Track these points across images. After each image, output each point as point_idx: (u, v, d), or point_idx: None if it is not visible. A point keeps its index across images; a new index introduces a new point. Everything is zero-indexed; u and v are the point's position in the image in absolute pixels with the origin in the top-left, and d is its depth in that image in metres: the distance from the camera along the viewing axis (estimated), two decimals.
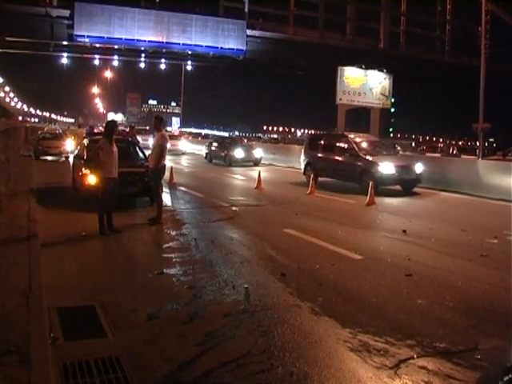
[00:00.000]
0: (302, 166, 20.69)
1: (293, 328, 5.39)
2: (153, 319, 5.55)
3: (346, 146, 18.35)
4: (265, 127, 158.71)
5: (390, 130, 64.13)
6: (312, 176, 18.22)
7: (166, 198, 14.33)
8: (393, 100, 55.69)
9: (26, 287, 5.85)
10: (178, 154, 38.56)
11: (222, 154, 30.07)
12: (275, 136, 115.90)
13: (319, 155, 19.62)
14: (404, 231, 10.46)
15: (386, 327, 5.43)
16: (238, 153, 28.99)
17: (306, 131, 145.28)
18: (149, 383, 4.23)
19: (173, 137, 42.05)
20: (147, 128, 59.00)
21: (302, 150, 21.26)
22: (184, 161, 34.08)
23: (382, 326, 5.45)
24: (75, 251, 8.49)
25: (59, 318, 5.42)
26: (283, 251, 8.74)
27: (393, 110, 57.43)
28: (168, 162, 12.68)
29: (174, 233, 10.16)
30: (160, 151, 11.11)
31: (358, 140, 18.67)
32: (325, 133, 19.27)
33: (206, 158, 33.06)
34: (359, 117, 57.77)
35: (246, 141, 37.76)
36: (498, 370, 1.67)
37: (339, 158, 18.32)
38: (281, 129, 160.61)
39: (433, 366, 4.58)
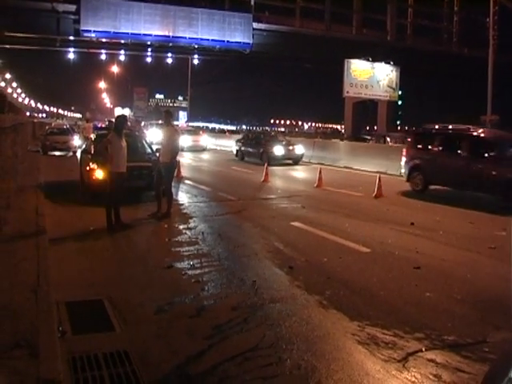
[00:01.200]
0: (405, 171, 15.92)
1: (301, 321, 5.39)
2: (160, 313, 5.56)
3: (482, 146, 13.64)
4: (272, 120, 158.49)
5: (398, 122, 63.86)
6: (421, 183, 15.09)
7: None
8: (400, 92, 55.48)
9: (35, 282, 5.87)
10: (198, 150, 36.39)
11: (257, 151, 26.22)
12: (282, 129, 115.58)
13: (434, 157, 14.94)
14: (412, 224, 10.42)
15: (394, 320, 5.42)
16: (278, 150, 25.15)
17: (314, 124, 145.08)
18: (157, 377, 4.24)
19: (193, 132, 41.00)
20: (160, 122, 57.64)
21: (404, 150, 16.42)
22: (209, 158, 31.52)
23: (390, 319, 5.44)
24: (83, 246, 8.51)
25: (68, 312, 5.44)
26: (291, 244, 8.73)
27: (400, 102, 57.19)
28: (188, 159, 12.70)
29: (181, 227, 10.17)
30: (174, 146, 11.11)
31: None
32: (443, 127, 14.80)
33: (236, 155, 29.07)
34: (366, 109, 57.57)
35: (281, 136, 32.93)
36: (506, 363, 1.66)
37: (472, 163, 13.53)
38: (288, 122, 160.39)
39: (441, 358, 4.57)
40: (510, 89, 43.77)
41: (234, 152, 29.50)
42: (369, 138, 42.76)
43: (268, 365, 4.42)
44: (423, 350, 4.74)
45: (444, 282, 6.75)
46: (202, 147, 37.41)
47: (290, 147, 25.72)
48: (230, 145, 35.57)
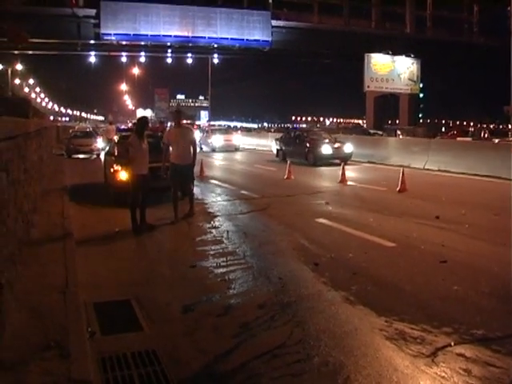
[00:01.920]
0: None
1: (328, 317, 5.37)
2: (188, 312, 5.59)
3: None
4: (293, 117, 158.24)
5: (420, 115, 63.26)
6: None
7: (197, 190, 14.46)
8: (421, 85, 54.98)
9: (63, 283, 5.95)
10: (230, 150, 34.70)
11: (302, 151, 23.70)
12: (304, 125, 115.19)
13: None
14: (437, 217, 10.32)
15: (422, 315, 5.38)
16: (326, 148, 22.87)
17: (335, 120, 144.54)
18: (186, 375, 4.27)
19: (224, 131, 40.11)
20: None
21: None
22: (248, 159, 28.90)
23: (417, 314, 5.40)
24: (109, 247, 8.60)
25: (96, 313, 5.51)
26: (316, 241, 8.71)
27: (421, 95, 56.64)
28: (220, 161, 12.53)
29: (206, 226, 10.21)
30: (194, 146, 10.87)
31: None
32: None
33: (277, 155, 26.67)
34: (388, 103, 57.16)
35: (325, 133, 28.67)
36: None
37: None
38: (309, 118, 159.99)
39: (471, 353, 4.52)
40: None
41: (274, 152, 27.35)
42: (380, 132, 41.99)
43: (296, 362, 4.42)
44: (452, 344, 4.69)
45: (471, 276, 6.68)
46: (235, 147, 35.61)
47: (338, 145, 23.36)
48: (265, 144, 35.17)
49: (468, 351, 4.55)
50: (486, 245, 8.32)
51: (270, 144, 32.44)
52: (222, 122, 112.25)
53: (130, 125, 50.85)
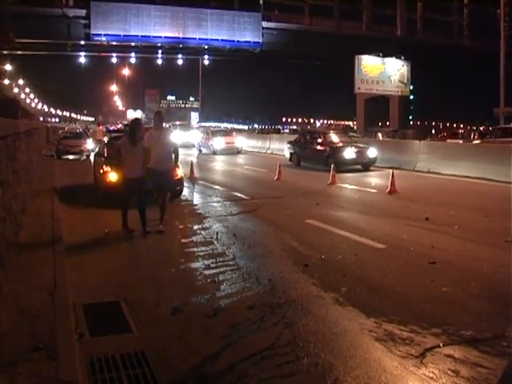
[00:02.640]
0: None
1: (317, 319, 5.38)
2: (177, 313, 5.58)
3: None
4: (284, 119, 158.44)
5: (410, 117, 63.53)
6: None
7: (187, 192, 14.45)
8: (412, 87, 55.22)
9: (52, 285, 5.92)
10: (232, 152, 32.48)
11: (320, 155, 21.31)
12: (294, 127, 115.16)
13: None
14: (427, 219, 10.36)
15: (411, 316, 5.40)
16: (348, 153, 20.60)
17: (325, 121, 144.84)
18: (175, 377, 4.25)
19: (224, 133, 37.25)
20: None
21: None
22: (258, 163, 25.29)
23: (406, 315, 5.42)
24: (98, 248, 8.57)
25: (85, 315, 5.48)
26: (306, 242, 8.72)
27: (412, 97, 56.88)
28: (224, 164, 12.06)
29: (196, 227, 10.19)
30: (176, 150, 10.19)
31: None
32: None
33: (290, 159, 24.00)
34: (378, 105, 57.36)
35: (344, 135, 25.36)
36: None
37: None
38: (300, 120, 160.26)
39: (459, 354, 4.53)
40: None
41: (287, 156, 24.51)
42: (358, 135, 41.85)
43: (285, 363, 4.42)
44: (441, 345, 4.70)
45: (460, 277, 6.71)
46: (237, 149, 33.45)
47: (360, 149, 21.08)
48: (268, 146, 34.69)
49: (456, 352, 4.57)
50: (475, 246, 8.35)
51: (273, 147, 33.56)
52: (213, 124, 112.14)
53: (119, 126, 50.52)
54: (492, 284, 6.41)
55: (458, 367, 4.30)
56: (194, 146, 37.91)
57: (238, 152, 33.30)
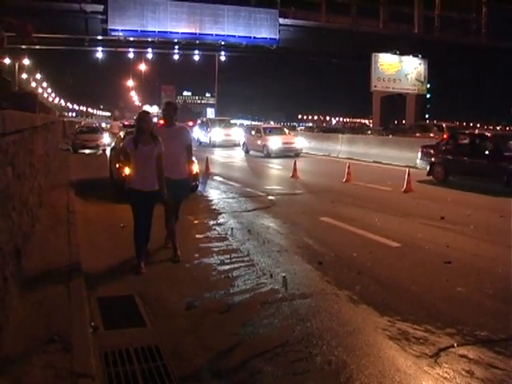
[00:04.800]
0: None
1: (331, 316, 5.37)
2: (191, 309, 5.59)
3: None
4: (300, 116, 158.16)
5: (427, 116, 63.09)
6: None
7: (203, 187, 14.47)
8: (428, 85, 54.81)
9: (67, 278, 5.96)
10: (289, 155, 26.63)
11: (490, 169, 14.64)
12: (310, 125, 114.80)
13: None
14: (442, 218, 10.30)
15: (425, 315, 5.37)
16: None
17: (342, 119, 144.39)
18: (188, 372, 4.27)
19: (278, 131, 30.69)
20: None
21: None
22: (362, 175, 17.97)
23: (420, 314, 5.39)
24: (114, 242, 8.59)
25: (99, 308, 5.52)
26: (320, 240, 8.70)
27: (428, 95, 56.47)
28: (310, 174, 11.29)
29: (211, 222, 10.20)
30: (190, 153, 7.73)
31: None
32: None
33: (430, 172, 16.87)
34: (394, 103, 57.01)
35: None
36: None
37: None
38: (315, 117, 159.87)
39: (474, 354, 4.51)
40: None
41: (421, 165, 17.81)
42: (369, 132, 42.42)
43: (298, 360, 4.41)
44: (455, 345, 4.68)
45: (475, 277, 6.66)
46: (296, 151, 27.46)
47: None
48: (340, 149, 28.26)
49: (471, 352, 4.54)
50: (490, 246, 8.29)
51: (339, 149, 28.21)
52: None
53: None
54: (507, 285, 6.35)
55: (472, 368, 4.28)
56: (236, 145, 34.50)
57: (297, 155, 26.83)
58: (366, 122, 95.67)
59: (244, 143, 31.35)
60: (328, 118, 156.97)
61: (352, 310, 5.56)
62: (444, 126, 32.33)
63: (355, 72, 67.78)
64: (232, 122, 45.93)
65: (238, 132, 37.05)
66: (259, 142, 28.63)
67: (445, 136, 21.89)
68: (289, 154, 26.90)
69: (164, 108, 7.81)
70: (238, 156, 29.08)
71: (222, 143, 35.76)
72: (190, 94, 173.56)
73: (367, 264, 7.26)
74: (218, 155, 28.50)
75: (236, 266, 7.18)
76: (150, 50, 53.02)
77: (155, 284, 6.42)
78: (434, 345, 4.68)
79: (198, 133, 38.47)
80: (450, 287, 6.26)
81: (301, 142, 28.93)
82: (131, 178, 6.97)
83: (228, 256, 7.67)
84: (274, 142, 27.46)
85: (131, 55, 56.94)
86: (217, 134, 36.42)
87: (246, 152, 30.34)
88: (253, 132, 30.51)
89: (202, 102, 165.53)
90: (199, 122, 42.71)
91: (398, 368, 4.29)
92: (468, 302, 5.80)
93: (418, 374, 4.20)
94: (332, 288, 6.26)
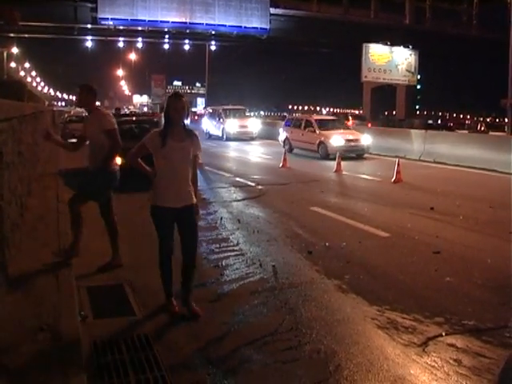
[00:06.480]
0: None
1: (320, 305, 5.39)
2: (180, 297, 5.58)
3: None
4: (290, 106, 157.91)
5: (417, 106, 63.28)
6: None
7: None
8: (419, 76, 54.93)
9: (56, 267, 5.93)
10: (351, 156, 20.67)
11: None
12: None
13: None
14: (432, 208, 10.34)
15: (414, 304, 5.40)
16: None
17: (331, 109, 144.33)
18: (178, 360, 4.27)
19: (338, 123, 24.93)
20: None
21: None
22: None
23: (409, 304, 5.42)
24: (102, 231, 8.54)
25: (88, 297, 5.51)
26: (310, 229, 8.71)
27: (419, 86, 56.62)
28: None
29: (200, 212, 10.15)
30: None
31: None
32: None
33: None
34: (385, 94, 57.12)
35: None
36: None
37: None
38: (306, 108, 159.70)
39: (462, 343, 4.54)
40: None
41: None
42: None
43: (288, 349, 4.43)
44: (443, 334, 4.71)
45: (464, 267, 6.70)
46: (363, 151, 21.46)
47: None
48: (424, 149, 20.53)
49: (459, 341, 4.57)
50: (479, 236, 8.34)
51: (416, 148, 20.89)
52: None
53: (126, 110, 50.32)
54: (495, 275, 6.40)
55: (460, 356, 4.31)
56: (253, 138, 31.51)
57: (360, 155, 21.38)
58: (356, 112, 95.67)
59: (286, 139, 24.38)
60: (318, 108, 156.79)
61: (341, 300, 5.58)
62: None
63: (346, 62, 67.76)
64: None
65: (254, 123, 33.58)
66: (312, 139, 22.07)
67: None
68: (351, 154, 20.86)
69: (81, 91, 6.51)
70: (276, 156, 20.12)
71: (238, 136, 31.45)
72: (180, 83, 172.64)
73: (357, 253, 7.28)
74: (253, 155, 23.74)
75: (226, 255, 7.19)
76: (140, 39, 52.76)
77: (145, 273, 6.38)
78: (423, 334, 4.71)
79: (207, 124, 34.97)
80: (439, 277, 6.30)
81: (367, 139, 21.75)
82: (155, 190, 5.11)
83: (217, 245, 7.67)
84: (335, 140, 20.85)
85: (121, 44, 56.63)
86: (231, 125, 32.02)
87: (290, 151, 22.95)
88: (300, 125, 23.62)
89: (193, 91, 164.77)
90: (208, 111, 38.51)
91: (386, 357, 4.31)
92: (456, 291, 5.83)
93: (407, 362, 4.23)
94: (321, 277, 6.28)
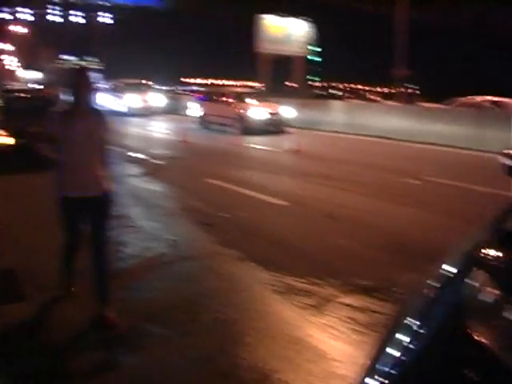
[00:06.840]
0: None
1: (219, 276, 5.38)
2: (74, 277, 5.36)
3: None
4: (182, 79, 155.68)
5: (316, 79, 64.50)
6: None
7: None
8: (320, 50, 55.79)
9: None
10: (270, 128, 19.95)
11: None
12: (194, 88, 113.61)
13: None
14: (328, 176, 10.60)
15: (310, 268, 5.52)
16: None
17: (226, 82, 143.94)
18: (75, 343, 4.12)
19: (251, 94, 23.24)
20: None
21: None
22: None
23: (305, 268, 5.53)
24: None
25: None
26: (209, 202, 8.67)
27: (320, 59, 57.59)
28: None
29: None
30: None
31: None
32: None
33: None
34: (282, 66, 57.63)
35: None
36: (415, 301, 1.69)
37: None
38: (199, 81, 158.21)
39: (356, 302, 4.70)
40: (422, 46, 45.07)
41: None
42: None
43: (188, 321, 4.38)
44: (338, 295, 4.84)
45: (357, 230, 6.96)
46: (280, 122, 20.57)
47: None
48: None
49: (353, 300, 4.72)
50: (372, 200, 8.66)
51: (337, 120, 20.98)
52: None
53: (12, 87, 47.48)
54: (386, 236, 6.69)
55: (354, 314, 4.45)
56: (154, 113, 29.34)
57: (279, 129, 20.13)
58: (254, 85, 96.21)
59: (204, 115, 22.91)
60: (212, 81, 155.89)
61: (240, 269, 5.60)
62: None
63: (241, 35, 67.63)
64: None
65: (157, 98, 31.96)
66: (228, 113, 20.88)
67: None
68: (271, 128, 19.92)
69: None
70: (179, 132, 18.77)
71: (140, 111, 29.35)
72: (74, 58, 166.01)
73: (255, 223, 7.34)
74: (155, 130, 22.18)
75: (122, 231, 6.93)
76: (25, 9, 49.93)
77: (36, 256, 6.08)
78: (318, 296, 4.82)
79: (106, 100, 30.85)
80: (332, 240, 6.49)
81: (287, 112, 21.07)
82: (59, 177, 4.45)
83: (113, 222, 7.43)
84: (255, 113, 20.15)
85: (4, 15, 53.33)
86: (133, 100, 30.29)
87: (207, 127, 22.18)
88: (219, 99, 22.41)
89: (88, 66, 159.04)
90: (107, 86, 34.91)
91: (285, 320, 4.38)
92: (350, 253, 6.05)
93: (305, 324, 4.31)
94: (220, 248, 6.26)
